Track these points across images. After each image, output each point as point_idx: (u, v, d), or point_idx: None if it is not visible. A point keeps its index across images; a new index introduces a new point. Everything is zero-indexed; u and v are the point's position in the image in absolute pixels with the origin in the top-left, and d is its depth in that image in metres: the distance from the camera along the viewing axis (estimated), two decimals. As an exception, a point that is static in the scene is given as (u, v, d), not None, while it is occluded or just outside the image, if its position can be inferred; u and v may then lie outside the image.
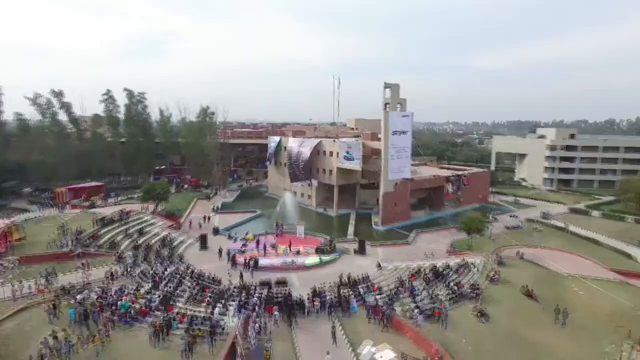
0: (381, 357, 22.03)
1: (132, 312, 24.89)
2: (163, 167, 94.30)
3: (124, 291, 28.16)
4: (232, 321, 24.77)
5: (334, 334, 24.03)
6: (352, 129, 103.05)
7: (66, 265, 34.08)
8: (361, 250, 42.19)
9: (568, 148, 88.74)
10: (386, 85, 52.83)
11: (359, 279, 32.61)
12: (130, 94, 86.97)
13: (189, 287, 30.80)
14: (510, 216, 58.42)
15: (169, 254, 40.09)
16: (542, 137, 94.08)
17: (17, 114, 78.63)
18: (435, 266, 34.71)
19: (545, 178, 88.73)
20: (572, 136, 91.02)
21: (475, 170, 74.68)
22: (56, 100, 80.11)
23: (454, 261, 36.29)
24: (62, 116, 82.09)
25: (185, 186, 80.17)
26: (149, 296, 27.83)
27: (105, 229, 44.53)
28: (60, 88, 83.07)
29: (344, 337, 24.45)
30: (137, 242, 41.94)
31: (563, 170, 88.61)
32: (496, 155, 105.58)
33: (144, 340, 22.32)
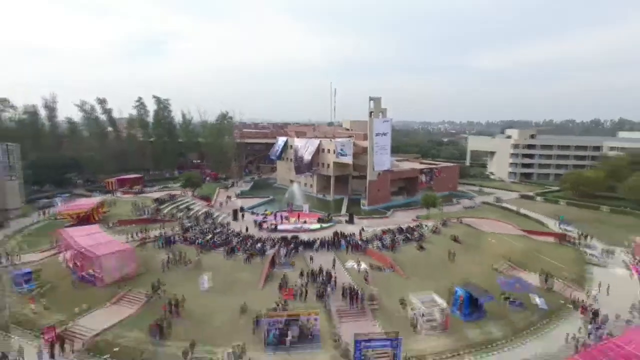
0: (358, 266, 38.10)
1: (207, 244, 40.88)
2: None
3: (196, 237, 44.14)
4: (269, 250, 40.79)
5: (334, 259, 39.77)
6: (347, 129, 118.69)
7: (149, 227, 49.78)
8: (350, 221, 58.05)
9: (529, 146, 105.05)
10: (371, 98, 68.86)
11: (347, 234, 48.51)
12: (158, 100, 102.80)
13: (235, 238, 46.63)
14: (469, 199, 74.54)
15: (212, 222, 55.89)
16: (508, 137, 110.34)
17: (68, 118, 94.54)
18: (400, 227, 50.71)
19: (510, 172, 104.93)
20: (532, 136, 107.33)
21: (447, 164, 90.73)
22: (99, 107, 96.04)
23: (413, 224, 52.37)
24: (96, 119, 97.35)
25: (207, 179, 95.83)
26: (211, 240, 43.75)
27: (162, 206, 60.35)
28: (103, 97, 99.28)
29: (338, 260, 40.35)
30: (188, 214, 57.83)
31: (524, 165, 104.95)
32: (472, 153, 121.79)
33: (220, 257, 38.32)
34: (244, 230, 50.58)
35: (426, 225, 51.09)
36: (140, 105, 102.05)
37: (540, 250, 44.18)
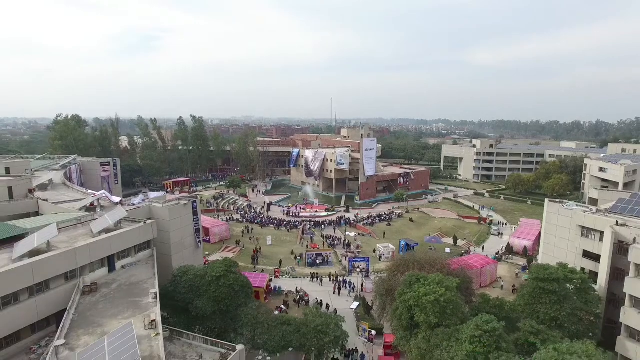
0: (351, 234, 66.21)
1: (262, 222, 68.98)
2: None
3: (254, 218, 72.08)
4: (299, 226, 68.93)
5: (334, 229, 67.82)
6: (345, 137, 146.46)
7: (219, 214, 77.35)
8: (347, 210, 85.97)
9: (488, 154, 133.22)
10: (362, 125, 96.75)
11: (346, 218, 76.47)
12: (194, 118, 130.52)
13: (275, 220, 74.35)
14: (432, 196, 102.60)
15: (254, 211, 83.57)
16: (473, 146, 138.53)
17: (129, 135, 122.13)
18: (379, 214, 78.70)
19: (474, 174, 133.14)
20: (491, 146, 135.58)
21: (420, 169, 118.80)
22: (151, 124, 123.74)
23: (388, 212, 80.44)
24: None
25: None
26: (263, 220, 71.63)
27: (218, 201, 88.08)
28: (139, 114, 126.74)
29: (339, 230, 68.35)
30: (236, 206, 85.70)
31: (485, 169, 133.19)
32: (445, 158, 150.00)
33: (272, 229, 66.39)
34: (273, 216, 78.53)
35: (395, 212, 79.23)
36: (182, 123, 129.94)
37: (463, 227, 72.42)
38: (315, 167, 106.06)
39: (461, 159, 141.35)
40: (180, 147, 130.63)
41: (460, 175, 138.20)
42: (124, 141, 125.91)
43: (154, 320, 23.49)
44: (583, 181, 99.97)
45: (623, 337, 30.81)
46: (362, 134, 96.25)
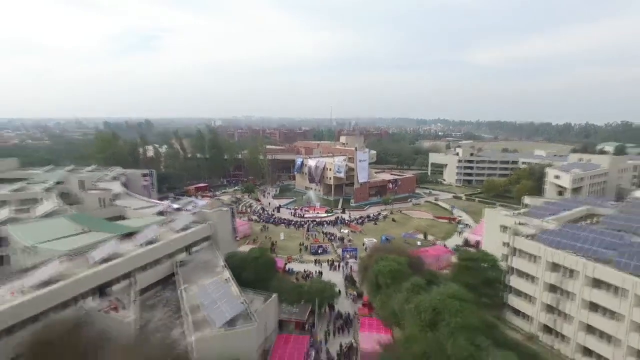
0: (345, 231, 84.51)
1: (275, 221, 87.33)
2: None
3: (268, 218, 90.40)
4: (305, 224, 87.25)
5: (333, 227, 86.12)
6: (343, 144, 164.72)
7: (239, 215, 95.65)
8: (343, 211, 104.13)
9: (469, 161, 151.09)
10: (358, 133, 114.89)
11: (342, 218, 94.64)
12: (211, 130, 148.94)
13: (285, 220, 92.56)
14: (415, 198, 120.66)
15: (267, 213, 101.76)
16: (456, 154, 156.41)
17: (155, 145, 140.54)
18: (368, 215, 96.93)
19: (456, 179, 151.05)
20: (471, 154, 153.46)
21: (407, 176, 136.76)
22: (174, 136, 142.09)
23: (376, 213, 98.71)
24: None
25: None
26: (276, 220, 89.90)
27: (235, 204, 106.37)
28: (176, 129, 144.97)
29: (336, 228, 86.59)
30: (252, 208, 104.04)
31: (466, 174, 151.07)
32: (432, 164, 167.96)
33: (283, 227, 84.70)
34: (283, 217, 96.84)
35: (381, 214, 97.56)
36: (199, 134, 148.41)
37: (435, 225, 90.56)
38: (316, 174, 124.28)
39: (446, 165, 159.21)
40: (198, 156, 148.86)
41: (444, 180, 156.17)
42: (150, 150, 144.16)
43: (227, 278, 41.76)
44: (545, 186, 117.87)
45: (510, 294, 49.02)
46: (356, 147, 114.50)
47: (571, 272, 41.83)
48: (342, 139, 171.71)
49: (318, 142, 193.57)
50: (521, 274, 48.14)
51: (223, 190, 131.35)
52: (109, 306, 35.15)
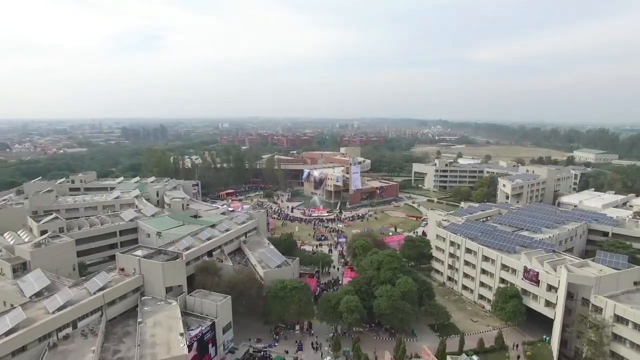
0: (340, 225, 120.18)
1: (290, 218, 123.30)
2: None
3: (287, 217, 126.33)
4: (312, 221, 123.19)
5: (332, 224, 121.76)
6: (343, 154, 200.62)
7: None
8: (340, 212, 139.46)
9: (444, 171, 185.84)
10: (352, 155, 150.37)
11: (341, 216, 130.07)
12: (235, 146, 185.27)
13: (297, 218, 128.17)
14: (396, 202, 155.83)
15: (284, 213, 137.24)
16: (434, 164, 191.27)
17: (191, 158, 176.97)
18: (359, 214, 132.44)
19: (434, 185, 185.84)
20: (446, 165, 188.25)
21: (392, 183, 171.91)
22: (204, 151, 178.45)
23: (366, 213, 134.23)
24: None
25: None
26: (289, 218, 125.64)
27: (261, 206, 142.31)
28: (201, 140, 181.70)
29: (334, 224, 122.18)
30: (273, 208, 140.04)
31: (442, 181, 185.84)
32: (415, 173, 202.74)
33: (297, 222, 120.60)
34: (296, 215, 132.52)
35: (367, 213, 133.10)
36: (222, 147, 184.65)
37: (406, 222, 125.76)
38: (320, 183, 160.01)
39: (426, 173, 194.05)
40: (224, 166, 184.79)
41: (424, 186, 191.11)
42: (187, 162, 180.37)
43: (273, 248, 77.45)
44: (497, 192, 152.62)
45: (433, 260, 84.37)
46: (351, 163, 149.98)
47: (458, 246, 77.17)
48: (343, 150, 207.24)
49: (322, 153, 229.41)
50: (438, 248, 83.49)
51: (247, 195, 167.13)
52: (219, 259, 70.83)
